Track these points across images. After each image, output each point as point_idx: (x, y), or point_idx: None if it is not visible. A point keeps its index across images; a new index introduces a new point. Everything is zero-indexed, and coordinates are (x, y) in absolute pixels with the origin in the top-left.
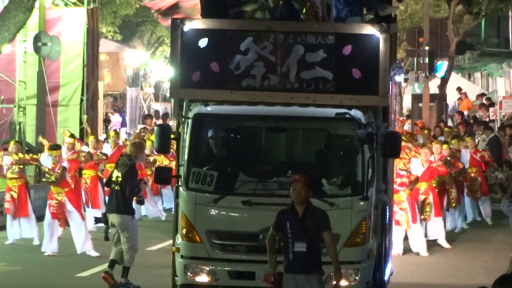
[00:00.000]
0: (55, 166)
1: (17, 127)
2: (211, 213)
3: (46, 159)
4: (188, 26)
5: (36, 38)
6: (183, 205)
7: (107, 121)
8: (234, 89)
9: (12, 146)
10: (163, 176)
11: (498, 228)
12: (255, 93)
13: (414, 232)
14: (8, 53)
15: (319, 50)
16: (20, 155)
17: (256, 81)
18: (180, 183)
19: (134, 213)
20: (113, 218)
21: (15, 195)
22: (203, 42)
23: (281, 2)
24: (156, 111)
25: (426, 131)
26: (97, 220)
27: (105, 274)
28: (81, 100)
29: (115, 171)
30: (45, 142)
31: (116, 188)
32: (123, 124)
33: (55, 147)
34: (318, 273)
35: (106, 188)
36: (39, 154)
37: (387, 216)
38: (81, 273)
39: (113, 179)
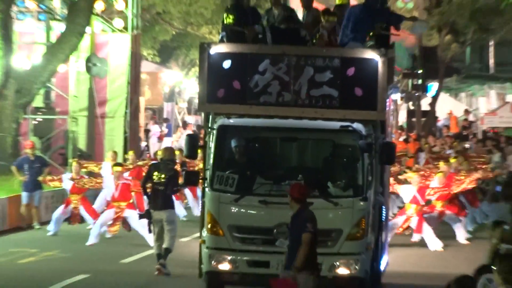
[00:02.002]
0: (117, 183)
1: (71, 135)
2: (233, 210)
3: (107, 167)
4: (214, 50)
5: (87, 60)
6: (208, 204)
7: (147, 130)
8: (253, 104)
9: (75, 166)
10: (192, 179)
11: (479, 225)
12: (271, 108)
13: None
14: (63, 72)
15: (326, 71)
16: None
17: (272, 97)
18: (206, 185)
19: (174, 207)
20: (161, 214)
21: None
22: (227, 64)
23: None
24: (184, 122)
25: (426, 145)
26: (141, 216)
27: (158, 268)
28: (125, 112)
29: (157, 173)
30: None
31: (161, 188)
32: (169, 133)
33: (118, 164)
34: (307, 273)
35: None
36: (99, 166)
37: (384, 215)
38: (123, 259)
39: (156, 180)
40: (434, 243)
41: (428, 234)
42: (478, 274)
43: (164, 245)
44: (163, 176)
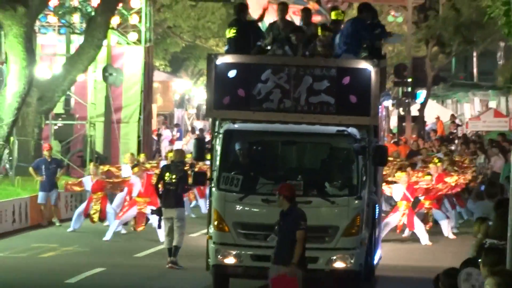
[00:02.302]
0: (142, 181)
1: (89, 139)
2: (237, 208)
3: (126, 169)
4: (220, 60)
5: (104, 70)
6: (215, 202)
7: (159, 135)
8: (256, 111)
9: (92, 168)
10: (200, 179)
11: (465, 221)
12: (273, 113)
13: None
14: (82, 81)
15: (324, 80)
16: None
17: (273, 104)
18: (213, 185)
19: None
20: (172, 212)
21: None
22: (232, 73)
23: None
24: (193, 128)
25: (423, 149)
26: (153, 212)
27: (171, 266)
28: (139, 118)
29: (168, 174)
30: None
31: (172, 188)
32: (180, 138)
33: (134, 166)
34: (297, 268)
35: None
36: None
37: (377, 213)
38: (137, 254)
39: (167, 180)
40: (425, 238)
41: (419, 229)
42: (464, 267)
43: (174, 243)
44: (174, 176)
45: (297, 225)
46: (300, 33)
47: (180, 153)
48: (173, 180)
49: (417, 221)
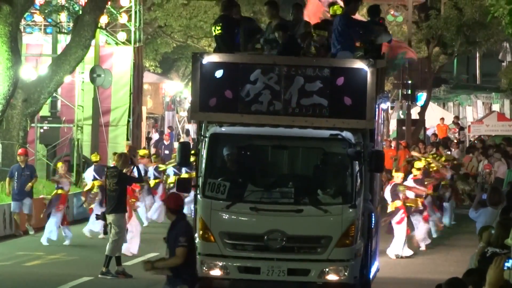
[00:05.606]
0: None
1: (76, 143)
2: (224, 217)
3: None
4: (206, 59)
5: (92, 71)
6: (200, 210)
7: (149, 138)
8: (245, 113)
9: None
10: (184, 185)
11: (465, 229)
12: (262, 116)
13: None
14: (69, 83)
15: (316, 81)
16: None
17: (263, 106)
18: (198, 192)
19: (126, 211)
20: (109, 217)
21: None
22: (219, 73)
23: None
24: (187, 130)
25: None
26: (97, 217)
27: (121, 276)
28: (128, 121)
29: (108, 181)
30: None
31: (112, 194)
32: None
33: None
34: (180, 285)
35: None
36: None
37: (373, 222)
38: (126, 262)
39: (109, 187)
40: (399, 249)
41: (399, 239)
42: (467, 278)
43: (106, 251)
44: (112, 183)
45: (176, 241)
46: (283, 31)
47: (117, 157)
48: (112, 187)
49: (402, 229)
